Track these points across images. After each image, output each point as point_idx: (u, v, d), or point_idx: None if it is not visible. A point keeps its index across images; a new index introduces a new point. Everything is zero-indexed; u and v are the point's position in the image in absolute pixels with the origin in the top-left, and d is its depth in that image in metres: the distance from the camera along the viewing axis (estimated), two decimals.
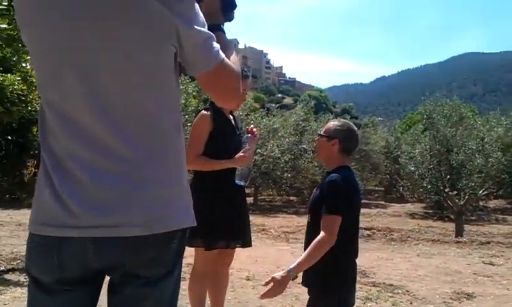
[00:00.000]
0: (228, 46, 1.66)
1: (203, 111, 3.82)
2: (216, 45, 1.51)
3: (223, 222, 3.68)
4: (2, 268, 6.15)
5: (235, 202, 3.79)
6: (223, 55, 1.53)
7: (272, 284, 2.70)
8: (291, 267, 2.75)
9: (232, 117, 3.94)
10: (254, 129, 3.82)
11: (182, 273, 5.21)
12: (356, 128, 3.12)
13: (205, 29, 1.49)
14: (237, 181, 3.67)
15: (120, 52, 1.41)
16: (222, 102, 1.80)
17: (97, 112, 1.41)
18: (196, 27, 1.46)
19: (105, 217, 1.40)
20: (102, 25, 1.39)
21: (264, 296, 2.76)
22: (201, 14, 1.51)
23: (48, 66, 1.45)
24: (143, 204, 1.43)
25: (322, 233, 2.76)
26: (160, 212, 1.46)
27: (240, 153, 3.68)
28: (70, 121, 1.43)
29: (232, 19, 1.83)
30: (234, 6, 1.81)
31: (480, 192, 15.14)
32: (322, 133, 3.06)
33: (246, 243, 3.88)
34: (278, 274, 2.72)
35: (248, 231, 3.91)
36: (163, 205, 1.47)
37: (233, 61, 1.62)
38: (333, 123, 3.07)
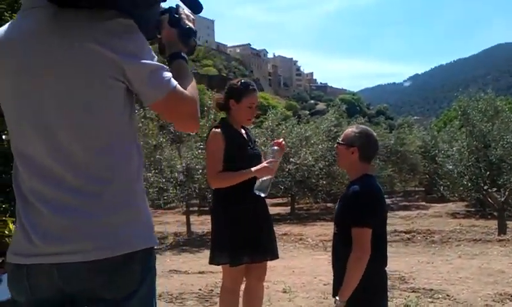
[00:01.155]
0: (185, 73, 1.76)
1: (213, 129, 3.84)
2: (167, 75, 1.61)
3: (246, 237, 3.68)
4: None
5: (257, 215, 3.78)
6: (174, 83, 1.62)
7: None
8: (337, 298, 2.75)
9: (243, 131, 3.95)
10: (281, 141, 3.82)
11: (213, 290, 5.21)
12: (374, 133, 3.06)
13: (152, 61, 1.60)
14: (256, 192, 3.65)
15: (64, 93, 1.55)
16: (178, 127, 1.88)
17: (51, 151, 1.56)
18: (141, 61, 1.58)
19: (63, 245, 1.54)
20: (46, 71, 1.55)
21: None
22: (147, 47, 1.62)
23: (7, 113, 1.64)
24: (98, 230, 1.55)
25: (354, 249, 2.73)
26: (115, 236, 1.57)
27: (265, 164, 3.68)
28: (29, 161, 1.59)
29: (192, 46, 1.89)
30: (191, 34, 1.86)
31: None
32: (340, 141, 3.02)
33: (272, 255, 3.86)
34: None
35: (273, 242, 3.89)
36: (118, 230, 1.58)
37: (191, 88, 1.70)
38: (351, 130, 3.02)
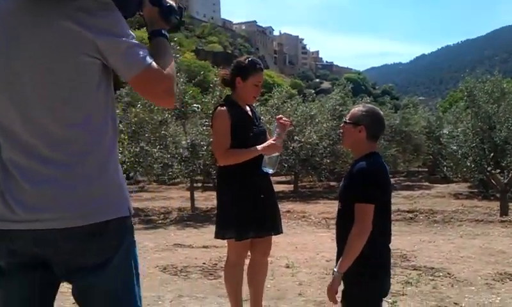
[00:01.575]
0: (163, 51, 1.84)
1: (219, 107, 3.87)
2: (142, 52, 1.69)
3: (251, 212, 3.74)
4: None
5: (263, 191, 3.84)
6: (149, 60, 1.70)
7: (328, 293, 2.85)
8: (335, 269, 2.81)
9: (248, 108, 3.98)
10: (283, 119, 3.85)
11: (217, 264, 5.28)
12: (381, 112, 3.09)
13: (128, 39, 1.68)
14: (264, 169, 3.70)
15: (39, 69, 1.64)
16: (153, 101, 1.97)
17: (27, 124, 1.66)
18: (116, 38, 1.66)
19: (40, 213, 1.65)
20: (22, 48, 1.64)
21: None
22: (123, 24, 1.70)
23: None
24: (74, 199, 1.66)
25: (356, 224, 2.77)
26: (88, 206, 1.68)
27: (271, 141, 3.72)
28: (8, 132, 1.69)
29: (174, 23, 1.96)
30: (172, 11, 1.92)
31: None
32: (347, 120, 3.04)
33: (277, 230, 3.93)
34: (329, 285, 2.84)
35: (277, 218, 3.96)
36: (90, 200, 1.69)
37: (168, 65, 1.78)
38: (358, 109, 3.03)
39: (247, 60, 3.92)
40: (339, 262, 2.80)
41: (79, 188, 1.67)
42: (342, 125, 3.13)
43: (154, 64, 1.72)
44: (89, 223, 1.67)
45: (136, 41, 1.71)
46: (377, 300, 3.01)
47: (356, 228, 2.76)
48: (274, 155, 3.72)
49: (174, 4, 1.93)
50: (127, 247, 1.81)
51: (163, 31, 1.89)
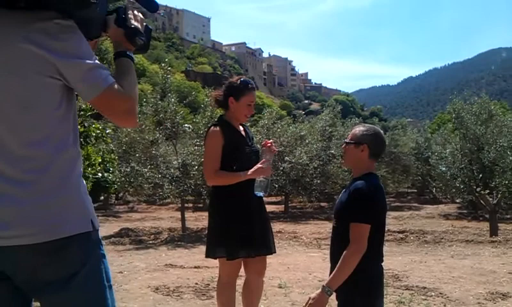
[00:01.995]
0: (126, 71, 1.88)
1: (212, 127, 3.91)
2: (103, 73, 1.73)
3: (242, 231, 3.77)
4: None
5: (254, 210, 3.86)
6: (110, 81, 1.74)
7: (309, 303, 2.80)
8: (325, 283, 2.82)
9: (242, 128, 4.02)
10: (269, 142, 3.90)
11: (210, 285, 5.28)
12: (382, 132, 3.15)
13: (89, 60, 1.72)
14: (256, 193, 3.75)
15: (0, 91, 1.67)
16: (116, 122, 1.96)
17: None
18: (77, 60, 1.70)
19: (3, 230, 1.68)
20: None
21: None
22: (84, 46, 1.74)
23: None
24: (34, 216, 1.69)
25: (351, 244, 2.80)
26: (50, 221, 1.70)
27: (259, 165, 3.76)
28: None
29: (140, 44, 1.99)
30: (137, 33, 1.97)
31: None
32: (349, 140, 3.09)
33: (268, 251, 3.94)
34: (314, 293, 2.82)
35: (270, 238, 3.97)
36: (53, 216, 1.71)
37: (130, 86, 1.82)
38: (359, 129, 3.08)
39: (239, 80, 3.97)
40: (330, 278, 2.82)
41: (39, 205, 1.70)
42: (343, 145, 3.17)
43: (115, 85, 1.76)
44: (49, 239, 1.70)
45: (98, 62, 1.75)
46: None
47: (351, 247, 2.79)
48: (263, 178, 3.76)
49: (139, 26, 1.98)
50: (95, 260, 1.84)
51: (128, 52, 1.94)
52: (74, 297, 1.77)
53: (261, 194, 3.78)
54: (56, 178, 1.73)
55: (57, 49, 1.68)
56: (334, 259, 3.00)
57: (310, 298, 2.82)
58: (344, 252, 2.79)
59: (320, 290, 2.81)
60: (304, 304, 2.85)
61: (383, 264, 3.03)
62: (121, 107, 1.79)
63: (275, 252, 4.01)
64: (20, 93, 1.67)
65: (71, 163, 1.79)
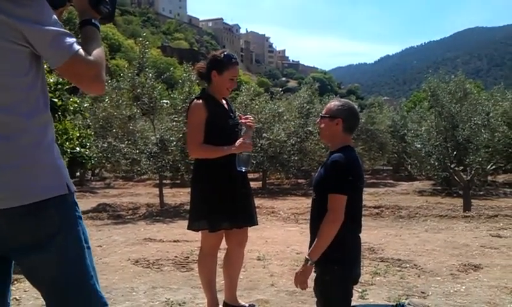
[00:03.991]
0: (92, 39, 1.91)
1: (195, 100, 3.92)
2: (69, 40, 1.76)
3: (225, 204, 3.82)
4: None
5: (237, 184, 3.90)
6: (76, 48, 1.77)
7: (297, 279, 2.91)
8: (307, 256, 2.89)
9: (224, 101, 4.05)
10: (243, 118, 3.93)
11: (189, 257, 5.31)
12: (356, 106, 3.21)
13: (55, 27, 1.74)
14: (238, 168, 3.79)
15: None
16: (83, 88, 1.98)
17: None
18: (42, 27, 1.72)
19: None
20: None
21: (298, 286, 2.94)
22: (49, 13, 1.76)
23: None
24: (8, 181, 1.73)
25: (329, 214, 2.85)
26: (24, 186, 1.75)
27: (241, 140, 3.80)
28: None
29: (105, 13, 2.02)
30: (102, 1, 2.00)
31: (488, 167, 15.12)
32: (324, 114, 3.14)
33: (251, 222, 4.01)
34: (299, 269, 2.91)
35: (252, 210, 4.03)
36: (27, 180, 1.76)
37: (97, 53, 1.85)
38: (334, 104, 3.13)
39: (223, 54, 3.98)
40: (311, 250, 2.89)
41: (12, 170, 1.73)
42: (318, 119, 3.22)
43: (81, 51, 1.79)
44: (24, 203, 1.74)
45: (63, 29, 1.77)
46: (348, 286, 3.12)
47: (328, 217, 2.85)
48: (245, 153, 3.80)
49: None
50: (71, 222, 1.89)
51: (93, 20, 1.96)
52: (53, 258, 1.83)
53: (243, 168, 3.83)
54: (28, 142, 1.76)
55: (21, 15, 1.69)
56: (314, 231, 3.07)
57: (296, 274, 2.92)
58: (322, 222, 2.86)
59: (303, 264, 2.89)
60: (294, 282, 2.95)
61: (360, 235, 3.12)
62: (88, 73, 1.82)
63: (257, 224, 4.08)
64: None
65: (43, 128, 1.82)
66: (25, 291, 4.78)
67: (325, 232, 2.86)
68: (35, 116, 1.79)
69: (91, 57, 1.81)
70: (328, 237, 2.85)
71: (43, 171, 1.80)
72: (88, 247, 1.95)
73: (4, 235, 1.79)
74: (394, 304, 3.27)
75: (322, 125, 3.13)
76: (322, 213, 2.91)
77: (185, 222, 4.09)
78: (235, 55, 4.14)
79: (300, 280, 2.92)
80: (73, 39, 1.77)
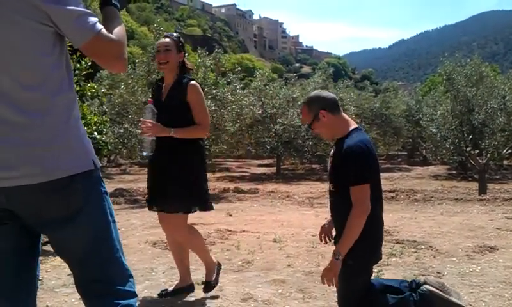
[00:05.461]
0: (113, 18, 1.97)
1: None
2: (92, 20, 1.80)
3: (150, 186, 4.03)
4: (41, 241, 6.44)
5: (156, 167, 3.95)
6: (99, 27, 1.82)
7: (325, 275, 2.96)
8: (336, 249, 2.92)
9: (177, 83, 4.02)
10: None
11: (206, 240, 5.35)
12: (319, 90, 3.24)
13: (78, 7, 1.78)
14: (145, 153, 3.85)
15: None
16: (106, 67, 2.03)
17: None
18: (66, 7, 1.76)
19: (8, 171, 1.77)
20: None
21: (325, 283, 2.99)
22: None
23: None
24: (37, 158, 1.78)
25: (355, 206, 2.87)
26: (52, 162, 1.80)
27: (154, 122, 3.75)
28: None
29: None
30: None
31: (504, 151, 15.04)
32: (309, 122, 3.15)
33: (161, 207, 3.96)
34: (327, 265, 2.96)
35: (165, 195, 3.89)
36: (54, 157, 1.81)
37: (118, 31, 1.90)
38: (306, 108, 3.16)
39: None
40: (340, 245, 2.91)
41: (40, 146, 1.79)
42: (311, 130, 3.27)
43: (104, 30, 1.84)
44: (52, 179, 1.80)
45: (86, 10, 1.82)
46: (369, 271, 3.17)
47: (356, 210, 2.87)
48: (151, 137, 3.76)
49: None
50: (97, 196, 1.97)
51: (113, 1, 2.03)
52: (81, 231, 1.91)
53: (144, 153, 3.85)
54: (55, 120, 1.82)
55: None
56: (338, 226, 3.09)
57: (323, 270, 2.98)
58: (350, 216, 2.88)
59: (332, 259, 2.92)
60: (321, 279, 3.00)
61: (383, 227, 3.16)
62: (111, 52, 1.87)
63: (168, 212, 3.96)
64: (11, 37, 1.73)
65: (68, 106, 1.88)
66: (46, 271, 4.89)
67: (354, 226, 2.88)
68: (60, 94, 1.85)
69: (113, 36, 1.87)
70: (357, 230, 2.88)
71: (69, 148, 1.85)
72: (114, 221, 2.03)
73: (35, 210, 1.86)
74: (409, 280, 3.32)
75: (317, 129, 3.16)
76: (344, 205, 2.93)
77: None
78: (168, 34, 4.12)
79: (329, 277, 2.94)
80: (96, 19, 1.82)
